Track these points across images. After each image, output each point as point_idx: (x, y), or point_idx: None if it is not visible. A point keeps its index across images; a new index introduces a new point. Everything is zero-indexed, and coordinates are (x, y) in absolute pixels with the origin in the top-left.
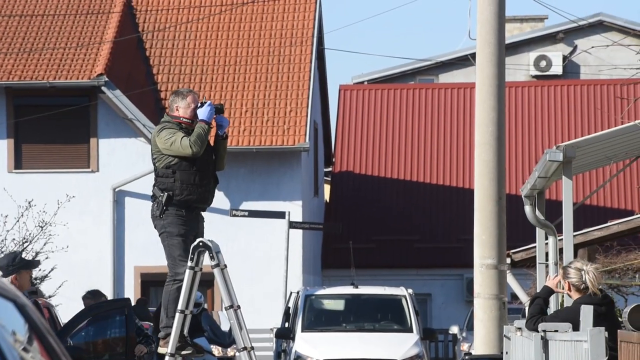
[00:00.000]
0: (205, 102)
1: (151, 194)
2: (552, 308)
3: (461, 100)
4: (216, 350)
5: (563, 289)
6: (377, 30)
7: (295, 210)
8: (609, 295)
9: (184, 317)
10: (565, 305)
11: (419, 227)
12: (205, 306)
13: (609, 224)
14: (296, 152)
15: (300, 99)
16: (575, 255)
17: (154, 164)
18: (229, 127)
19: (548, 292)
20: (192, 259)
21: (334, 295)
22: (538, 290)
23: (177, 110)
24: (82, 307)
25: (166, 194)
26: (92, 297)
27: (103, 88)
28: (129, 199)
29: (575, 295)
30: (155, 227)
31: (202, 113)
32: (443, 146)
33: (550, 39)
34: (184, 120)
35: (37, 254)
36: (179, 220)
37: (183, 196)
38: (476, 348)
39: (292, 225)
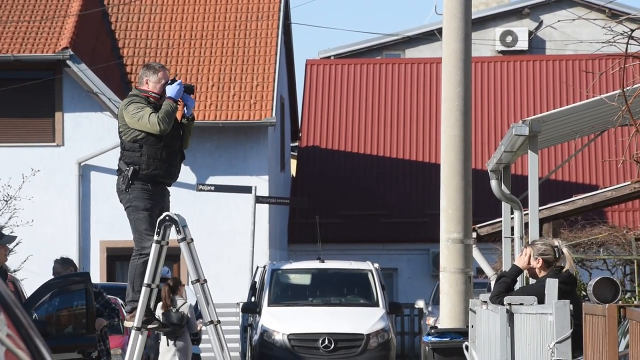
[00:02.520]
0: (176, 80)
1: (117, 168)
2: (518, 284)
3: (428, 75)
4: None
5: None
6: (343, 5)
7: (261, 185)
8: (572, 274)
9: (150, 291)
10: (530, 281)
11: (386, 201)
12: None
13: (574, 198)
14: (263, 127)
15: (266, 73)
16: (541, 230)
17: (121, 137)
18: (195, 102)
19: (517, 271)
20: (158, 233)
21: (301, 269)
22: (503, 265)
23: (146, 83)
24: (48, 279)
25: (132, 168)
26: (62, 265)
27: (68, 62)
28: (95, 173)
29: (543, 273)
30: (121, 202)
31: (171, 90)
32: (410, 121)
33: (516, 14)
34: (153, 95)
35: (1, 228)
36: (145, 194)
37: (149, 171)
38: (442, 322)
39: (259, 200)
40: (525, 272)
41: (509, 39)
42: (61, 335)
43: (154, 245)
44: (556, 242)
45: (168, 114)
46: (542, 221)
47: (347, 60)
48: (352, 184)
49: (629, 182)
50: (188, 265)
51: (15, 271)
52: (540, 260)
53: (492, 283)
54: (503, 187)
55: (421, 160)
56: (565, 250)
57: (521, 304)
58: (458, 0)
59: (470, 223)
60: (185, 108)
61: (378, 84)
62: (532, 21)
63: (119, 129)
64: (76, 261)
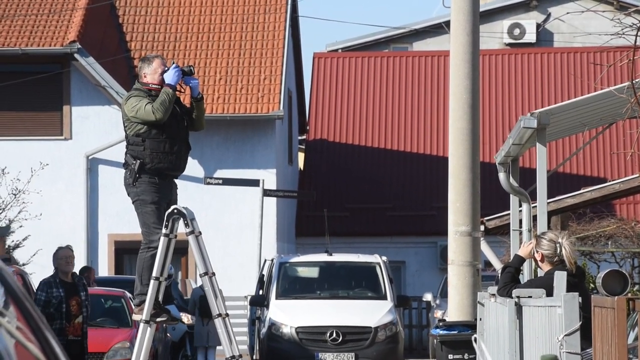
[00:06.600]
0: (172, 65)
1: (123, 161)
2: (526, 276)
3: (435, 69)
4: (185, 317)
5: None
6: None
7: (269, 178)
8: (580, 266)
9: (158, 284)
10: (538, 274)
11: (393, 194)
12: (178, 276)
13: (582, 191)
14: (270, 120)
15: (274, 66)
16: (549, 222)
17: (125, 131)
18: (204, 94)
19: (519, 261)
20: (166, 226)
21: (308, 262)
22: (511, 258)
23: (144, 77)
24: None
25: (138, 161)
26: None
27: (76, 55)
28: (103, 166)
29: (547, 267)
30: (128, 195)
31: (168, 77)
32: (417, 114)
33: (524, 6)
34: (153, 86)
35: (10, 221)
36: (152, 187)
37: (154, 164)
38: (450, 315)
39: (266, 193)
40: (533, 263)
41: (516, 31)
42: None
43: (162, 238)
44: (559, 239)
45: (164, 102)
46: (550, 214)
47: (355, 54)
48: (359, 177)
49: (638, 175)
50: (196, 258)
51: (24, 265)
52: (540, 254)
53: (500, 277)
54: (511, 179)
55: (429, 153)
56: (563, 252)
57: (530, 297)
58: None
59: (478, 216)
60: (191, 90)
61: (385, 77)
62: (540, 13)
63: (123, 123)
64: (84, 255)
